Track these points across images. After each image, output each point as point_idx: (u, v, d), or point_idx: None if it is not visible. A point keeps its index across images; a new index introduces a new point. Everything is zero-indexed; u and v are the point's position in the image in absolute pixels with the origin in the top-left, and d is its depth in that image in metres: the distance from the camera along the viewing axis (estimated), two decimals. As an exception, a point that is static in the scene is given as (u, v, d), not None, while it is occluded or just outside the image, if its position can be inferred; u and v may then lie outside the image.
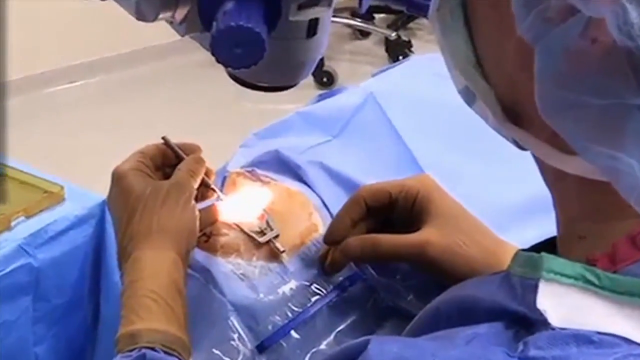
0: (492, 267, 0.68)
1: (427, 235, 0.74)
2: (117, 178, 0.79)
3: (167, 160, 0.83)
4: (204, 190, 0.83)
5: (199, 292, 0.79)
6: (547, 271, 0.44)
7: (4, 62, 2.26)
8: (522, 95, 0.46)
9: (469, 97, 0.51)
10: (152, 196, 0.76)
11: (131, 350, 0.67)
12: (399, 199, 0.78)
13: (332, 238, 0.79)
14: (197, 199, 0.80)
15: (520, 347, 0.42)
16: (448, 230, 0.75)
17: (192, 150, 0.84)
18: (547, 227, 0.54)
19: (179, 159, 0.83)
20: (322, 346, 0.77)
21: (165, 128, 0.85)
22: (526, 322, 0.44)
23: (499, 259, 0.72)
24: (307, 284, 0.80)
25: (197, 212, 0.78)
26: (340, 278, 0.80)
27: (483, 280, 0.52)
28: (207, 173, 0.83)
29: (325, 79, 3.28)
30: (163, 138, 0.84)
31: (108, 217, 1.07)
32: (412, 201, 0.77)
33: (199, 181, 0.81)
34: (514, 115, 0.48)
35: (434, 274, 0.75)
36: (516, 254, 0.49)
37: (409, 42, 3.56)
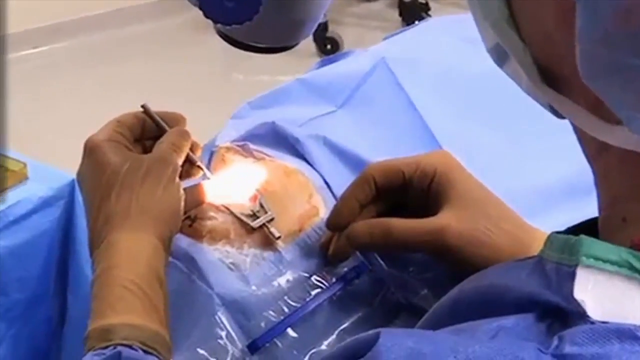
0: (519, 257, 0.68)
1: (446, 221, 0.74)
2: (90, 150, 0.79)
3: (147, 131, 0.83)
4: (189, 167, 0.83)
5: (181, 284, 0.79)
6: (587, 256, 0.44)
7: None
8: (562, 56, 0.46)
9: (499, 56, 0.51)
10: (130, 172, 0.76)
11: (104, 348, 0.67)
12: (413, 179, 0.78)
13: (335, 223, 0.79)
14: (181, 177, 0.80)
15: (555, 342, 0.42)
16: (470, 215, 0.74)
17: (175, 121, 0.84)
18: (585, 212, 0.54)
19: (161, 131, 0.83)
20: (323, 346, 0.77)
21: (144, 101, 0.84)
22: (561, 314, 0.44)
23: (528, 248, 0.72)
24: (306, 275, 0.80)
25: (181, 192, 0.78)
26: (345, 269, 0.80)
27: (511, 267, 0.52)
28: (193, 147, 0.83)
29: (328, 46, 3.27)
30: (143, 106, 0.84)
31: (78, 199, 1.08)
32: (429, 181, 0.77)
33: (183, 156, 0.81)
34: (552, 78, 0.48)
35: (452, 265, 0.75)
36: (550, 237, 0.49)
37: (426, 4, 3.54)
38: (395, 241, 0.76)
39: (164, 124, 0.83)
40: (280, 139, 0.92)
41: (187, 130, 0.83)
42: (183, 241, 0.81)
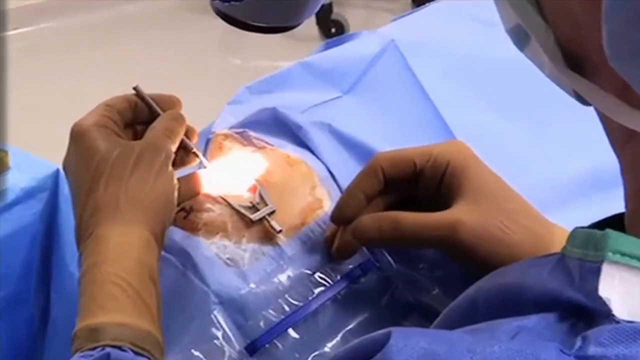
0: (539, 255, 0.69)
1: (459, 215, 0.74)
2: (77, 136, 0.79)
3: (138, 115, 0.83)
4: (184, 154, 0.83)
5: (175, 280, 0.79)
6: (613, 252, 0.44)
7: None
8: (588, 38, 0.46)
9: (520, 37, 0.51)
10: (120, 159, 0.76)
11: (92, 349, 0.67)
12: (425, 170, 0.78)
13: (341, 216, 0.80)
14: (174, 165, 0.80)
15: (578, 342, 0.42)
16: (485, 209, 0.75)
17: (170, 104, 0.84)
18: (610, 207, 0.54)
19: (154, 115, 0.83)
20: (326, 348, 0.77)
21: (136, 83, 0.84)
22: (585, 313, 0.44)
23: (548, 245, 0.72)
24: (309, 272, 0.80)
25: (175, 181, 0.78)
26: (350, 266, 0.81)
27: (531, 264, 0.52)
28: (188, 133, 0.83)
29: (333, 29, 3.27)
30: (135, 88, 0.84)
31: (63, 191, 1.08)
32: (442, 172, 0.77)
33: (177, 142, 0.81)
34: (576, 61, 0.48)
35: (465, 262, 0.75)
36: (573, 232, 0.49)
37: (437, -17, 3.54)
38: (405, 236, 0.76)
39: (157, 107, 0.83)
40: (281, 126, 0.92)
41: (182, 114, 0.83)
42: (177, 234, 0.81)
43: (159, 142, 0.79)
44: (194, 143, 0.84)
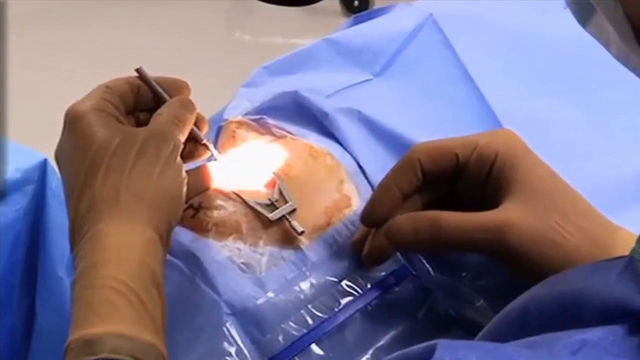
0: (600, 259, 0.69)
1: (509, 215, 0.74)
2: (73, 120, 0.79)
3: (141, 101, 0.84)
4: (193, 145, 0.84)
5: (182, 287, 0.79)
6: None
7: None
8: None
9: (583, 11, 0.51)
10: (121, 148, 0.77)
11: None
12: (468, 164, 0.78)
13: (373, 216, 0.80)
14: (183, 157, 0.81)
15: (650, 360, 0.43)
16: (538, 209, 0.75)
17: (177, 88, 0.84)
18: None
19: (159, 101, 0.83)
20: (355, 367, 0.78)
21: (134, 66, 0.84)
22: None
23: (611, 249, 0.72)
24: (335, 280, 0.80)
25: (183, 174, 0.79)
26: (382, 273, 0.81)
27: (594, 270, 0.53)
28: (198, 122, 0.84)
29: (356, 2, 3.27)
30: (137, 70, 0.84)
31: (50, 185, 1.08)
32: (488, 167, 0.77)
33: (186, 132, 0.81)
34: None
35: (515, 269, 0.76)
36: (643, 234, 0.49)
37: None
38: (446, 239, 0.76)
39: (162, 92, 0.83)
40: (304, 113, 0.92)
41: (192, 100, 0.83)
42: (184, 235, 0.82)
43: (166, 130, 0.79)
44: (205, 134, 0.85)
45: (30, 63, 2.90)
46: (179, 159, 0.79)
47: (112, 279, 0.71)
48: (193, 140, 0.83)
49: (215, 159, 0.85)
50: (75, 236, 0.76)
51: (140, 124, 0.83)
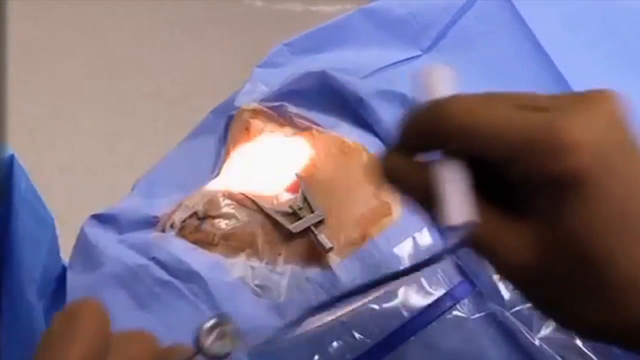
0: None
1: None
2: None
3: None
4: None
5: (184, 315, 0.80)
6: None
7: None
8: None
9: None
10: None
11: None
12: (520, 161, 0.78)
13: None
14: None
15: None
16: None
17: None
18: None
19: None
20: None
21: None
22: None
23: None
24: (375, 307, 0.80)
25: None
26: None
27: None
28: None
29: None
30: None
31: (19, 185, 1.10)
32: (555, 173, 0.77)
33: None
34: None
35: None
36: None
37: None
38: None
39: None
40: (334, 98, 0.92)
41: None
42: (186, 251, 0.82)
43: None
44: None
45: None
46: None
47: None
48: None
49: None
50: None
51: None
